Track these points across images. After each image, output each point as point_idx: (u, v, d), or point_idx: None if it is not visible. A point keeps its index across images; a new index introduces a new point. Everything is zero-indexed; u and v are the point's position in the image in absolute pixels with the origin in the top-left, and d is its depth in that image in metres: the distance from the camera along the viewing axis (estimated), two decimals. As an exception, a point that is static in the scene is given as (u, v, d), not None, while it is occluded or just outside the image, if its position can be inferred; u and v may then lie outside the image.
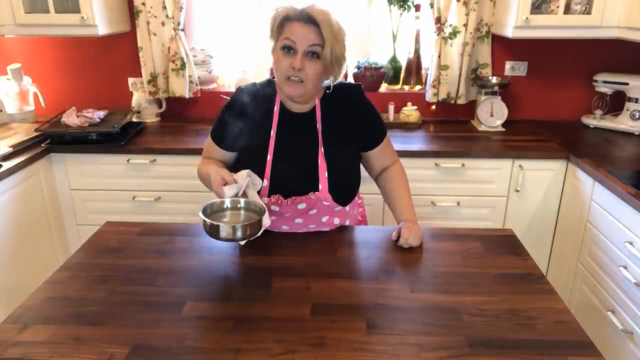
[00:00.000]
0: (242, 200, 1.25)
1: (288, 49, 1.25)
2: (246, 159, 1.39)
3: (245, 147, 1.40)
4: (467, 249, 1.32)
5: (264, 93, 1.39)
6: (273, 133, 1.36)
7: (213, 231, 1.16)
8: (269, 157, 1.35)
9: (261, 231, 1.29)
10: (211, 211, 1.23)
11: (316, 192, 1.34)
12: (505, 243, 1.36)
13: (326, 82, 1.36)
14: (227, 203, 1.26)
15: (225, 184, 1.25)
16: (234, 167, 1.44)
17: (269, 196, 1.35)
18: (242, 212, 1.26)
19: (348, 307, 1.08)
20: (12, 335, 0.99)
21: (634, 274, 1.67)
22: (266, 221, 1.26)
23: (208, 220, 1.16)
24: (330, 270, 1.23)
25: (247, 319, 1.04)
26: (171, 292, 1.14)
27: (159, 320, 1.04)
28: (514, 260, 1.27)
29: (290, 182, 1.35)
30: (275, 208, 1.36)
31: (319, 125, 1.37)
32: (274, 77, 1.40)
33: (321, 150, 1.35)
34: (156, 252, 1.31)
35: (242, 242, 1.32)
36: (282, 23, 1.26)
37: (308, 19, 1.23)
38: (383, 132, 1.46)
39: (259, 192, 1.32)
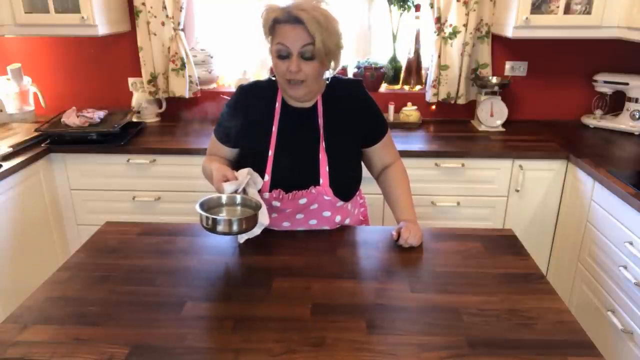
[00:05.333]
0: (239, 197, 1.27)
1: (281, 53, 1.25)
2: (248, 154, 1.40)
3: (247, 143, 1.41)
4: (467, 249, 1.32)
5: (266, 90, 1.40)
6: (275, 129, 1.37)
7: (210, 225, 1.17)
8: (271, 153, 1.35)
9: (260, 230, 1.30)
10: (208, 206, 1.25)
11: (317, 187, 1.34)
12: (505, 243, 1.36)
13: (327, 74, 1.36)
14: (224, 199, 1.28)
15: (227, 180, 1.25)
16: (237, 163, 1.45)
17: (270, 191, 1.35)
18: (239, 207, 1.28)
19: (348, 307, 1.08)
20: (12, 335, 0.99)
21: (634, 274, 1.67)
22: (264, 219, 1.26)
23: (205, 214, 1.17)
24: (331, 270, 1.23)
25: (247, 319, 1.04)
26: (171, 292, 1.14)
27: (159, 320, 1.04)
28: (514, 260, 1.27)
29: (292, 176, 1.35)
30: (276, 203, 1.36)
31: (320, 121, 1.37)
32: (274, 75, 1.41)
33: (322, 144, 1.36)
34: (156, 252, 1.31)
35: (241, 240, 1.33)
36: (273, 25, 1.26)
37: (295, 19, 1.22)
38: (384, 127, 1.47)
39: (259, 190, 1.33)
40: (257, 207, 1.23)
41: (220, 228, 1.17)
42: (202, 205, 1.22)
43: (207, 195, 1.26)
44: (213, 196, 1.27)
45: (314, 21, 1.21)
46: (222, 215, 1.25)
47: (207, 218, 1.17)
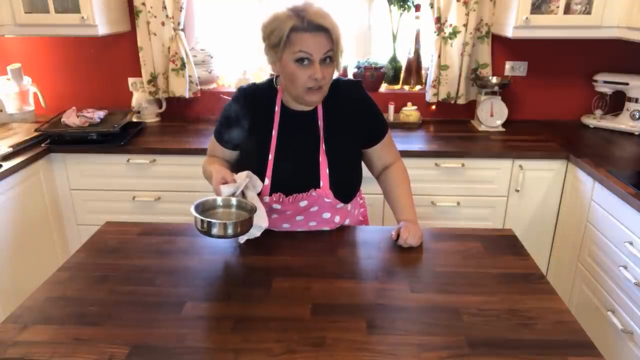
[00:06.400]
0: (234, 199, 1.27)
1: (302, 61, 1.23)
2: (248, 158, 1.40)
3: (246, 146, 1.41)
4: (467, 249, 1.32)
5: (265, 93, 1.39)
6: (274, 132, 1.36)
7: (204, 228, 1.17)
8: (271, 157, 1.35)
9: (259, 232, 1.29)
10: (203, 209, 1.24)
11: (317, 189, 1.34)
12: (505, 243, 1.36)
13: None
14: (219, 201, 1.27)
15: (225, 183, 1.25)
16: (236, 166, 1.45)
17: (270, 195, 1.35)
18: (234, 210, 1.27)
19: (348, 307, 1.08)
20: (12, 335, 0.99)
21: (634, 274, 1.67)
22: (263, 222, 1.26)
23: (199, 217, 1.17)
24: (331, 270, 1.23)
25: (247, 319, 1.04)
26: (171, 292, 1.14)
27: (159, 320, 1.04)
28: (514, 260, 1.27)
29: (292, 180, 1.35)
30: (277, 206, 1.36)
31: (320, 123, 1.37)
32: (273, 78, 1.40)
33: (322, 147, 1.36)
34: (156, 252, 1.31)
35: (242, 241, 1.33)
36: (289, 34, 1.22)
37: (316, 27, 1.21)
38: (384, 127, 1.47)
39: (259, 193, 1.33)
40: (252, 210, 1.23)
41: (214, 231, 1.17)
42: (197, 208, 1.21)
43: (203, 197, 1.26)
44: (208, 199, 1.26)
45: (335, 28, 1.22)
46: (217, 218, 1.24)
47: (202, 221, 1.17)
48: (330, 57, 1.25)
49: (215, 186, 1.26)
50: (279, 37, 1.22)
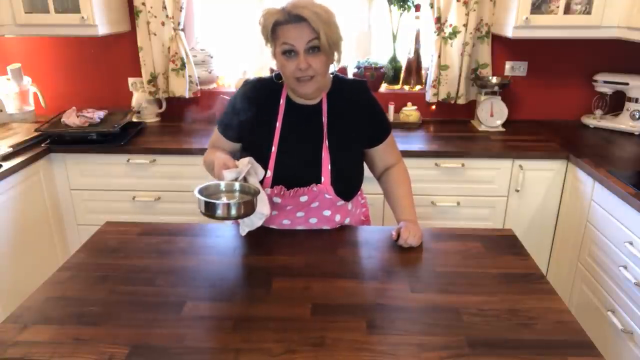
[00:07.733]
0: (237, 184, 1.27)
1: (289, 53, 1.27)
2: (251, 150, 1.40)
3: (250, 138, 1.42)
4: (467, 249, 1.32)
5: (271, 86, 1.41)
6: (278, 125, 1.37)
7: (208, 209, 1.17)
8: (274, 149, 1.36)
9: (261, 221, 1.29)
10: (207, 193, 1.24)
11: (318, 185, 1.35)
12: (505, 243, 1.36)
13: (331, 68, 1.37)
14: (222, 186, 1.27)
15: (227, 168, 1.26)
16: (239, 159, 1.45)
17: (271, 187, 1.36)
18: (237, 194, 1.27)
19: (348, 307, 1.08)
20: (12, 335, 0.99)
21: (634, 274, 1.67)
22: (265, 209, 1.26)
23: (203, 199, 1.17)
24: (331, 270, 1.23)
25: (247, 319, 1.04)
26: (171, 292, 1.14)
27: (159, 320, 1.04)
28: (514, 260, 1.27)
29: (294, 174, 1.36)
30: (277, 200, 1.37)
31: (324, 119, 1.38)
32: (277, 73, 1.41)
33: (325, 143, 1.36)
34: (156, 252, 1.31)
35: (243, 233, 1.32)
36: (274, 29, 1.27)
37: (296, 18, 1.24)
38: (387, 128, 1.47)
39: (261, 182, 1.33)
40: (256, 193, 1.23)
41: (218, 212, 1.17)
42: (200, 192, 1.21)
43: (206, 182, 1.26)
44: (211, 183, 1.26)
45: (316, 16, 1.23)
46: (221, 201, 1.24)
47: (206, 203, 1.17)
48: (318, 47, 1.26)
49: (218, 171, 1.27)
50: (266, 33, 1.29)
